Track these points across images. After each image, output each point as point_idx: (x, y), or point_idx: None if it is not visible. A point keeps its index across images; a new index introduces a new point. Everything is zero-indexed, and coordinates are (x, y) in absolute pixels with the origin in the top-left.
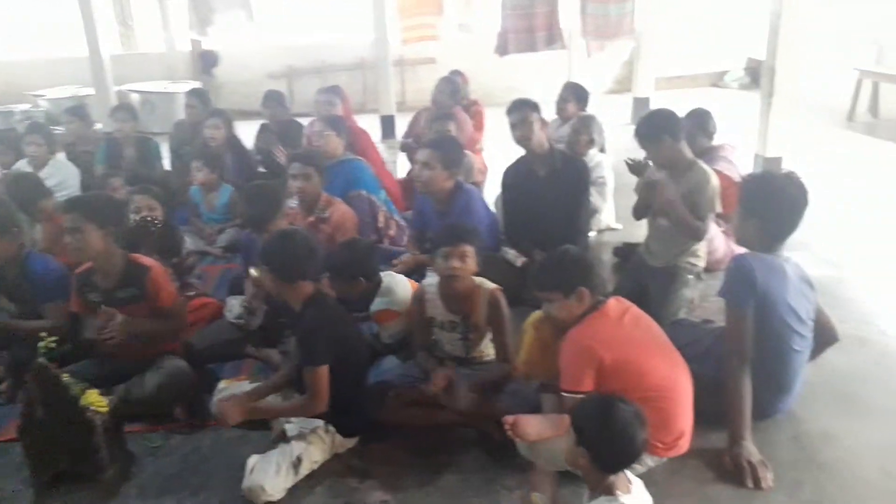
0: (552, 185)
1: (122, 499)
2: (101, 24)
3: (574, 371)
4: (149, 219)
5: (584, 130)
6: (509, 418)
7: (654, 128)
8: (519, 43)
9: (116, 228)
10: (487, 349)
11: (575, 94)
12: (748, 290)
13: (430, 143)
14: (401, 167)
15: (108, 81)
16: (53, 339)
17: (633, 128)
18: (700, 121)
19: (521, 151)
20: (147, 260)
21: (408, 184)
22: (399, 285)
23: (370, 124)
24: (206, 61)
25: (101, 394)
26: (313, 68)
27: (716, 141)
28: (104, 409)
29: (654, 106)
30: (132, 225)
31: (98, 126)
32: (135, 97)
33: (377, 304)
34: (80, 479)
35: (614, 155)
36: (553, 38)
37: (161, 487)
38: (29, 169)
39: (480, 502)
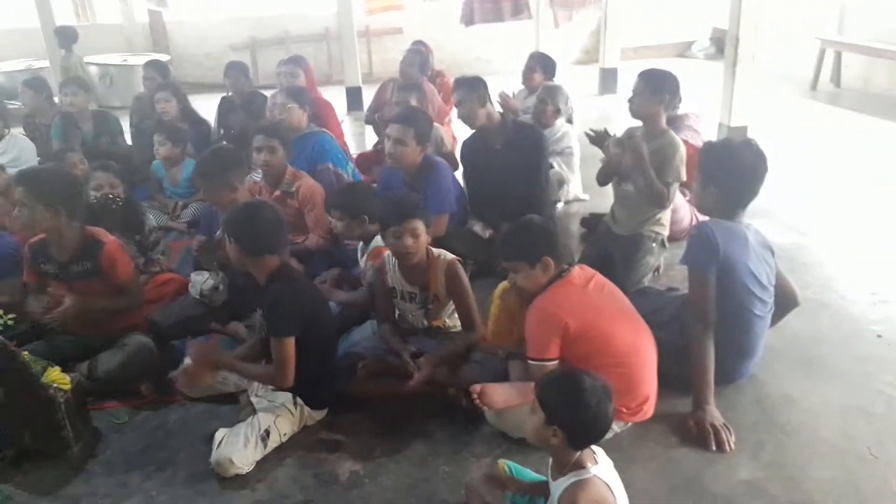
0: (509, 155)
1: (87, 475)
2: None
3: (540, 339)
4: (110, 196)
5: (549, 100)
6: (476, 387)
7: (659, 82)
8: (485, 13)
9: (67, 205)
10: (452, 319)
11: (541, 64)
12: (710, 256)
13: (401, 118)
14: (368, 140)
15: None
16: (11, 316)
17: (600, 98)
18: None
19: None
20: (102, 234)
21: (373, 155)
22: None
23: (336, 96)
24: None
25: (64, 371)
26: (277, 39)
27: (681, 110)
28: (67, 387)
29: (621, 77)
30: (93, 202)
31: (56, 99)
32: (93, 69)
33: (375, 242)
34: (45, 457)
35: (581, 126)
36: (519, 7)
37: (128, 463)
38: None
39: (450, 470)
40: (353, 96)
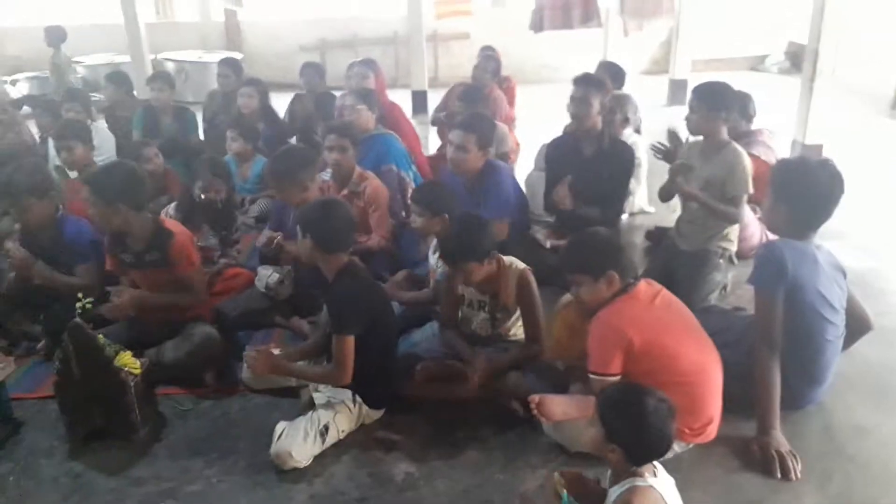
0: (597, 166)
1: (152, 458)
2: None
3: (602, 353)
4: (213, 199)
5: (619, 109)
6: (535, 397)
7: (714, 98)
8: (554, 20)
9: (128, 200)
10: (514, 328)
11: (610, 73)
12: (778, 276)
13: (464, 124)
14: (432, 143)
15: (144, 49)
16: (90, 300)
17: (669, 110)
18: (740, 103)
19: (556, 128)
20: (174, 225)
21: (437, 159)
22: None
23: (402, 100)
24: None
25: (134, 356)
26: (346, 42)
27: (755, 125)
28: (137, 371)
29: (690, 88)
30: (198, 200)
31: (135, 93)
32: (170, 66)
33: None
34: (113, 438)
35: (649, 137)
36: (589, 15)
37: (191, 449)
38: None
39: (504, 478)
40: (419, 100)
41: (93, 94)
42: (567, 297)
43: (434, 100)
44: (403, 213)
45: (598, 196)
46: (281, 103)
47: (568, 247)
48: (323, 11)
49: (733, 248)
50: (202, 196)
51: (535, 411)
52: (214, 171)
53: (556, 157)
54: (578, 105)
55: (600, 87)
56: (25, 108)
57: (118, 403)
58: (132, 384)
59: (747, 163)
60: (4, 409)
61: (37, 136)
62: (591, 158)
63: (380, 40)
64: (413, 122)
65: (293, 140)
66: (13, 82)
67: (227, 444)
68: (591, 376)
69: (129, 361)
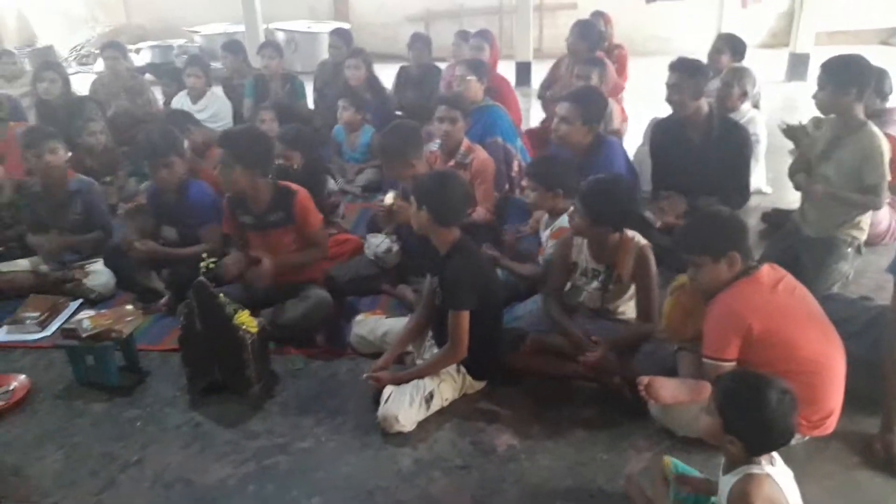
0: (707, 153)
1: (265, 414)
2: None
3: (719, 337)
4: (285, 166)
5: (736, 83)
6: (644, 379)
7: (845, 74)
8: None
9: (262, 164)
10: (624, 305)
11: (730, 45)
12: None
13: (571, 97)
14: (535, 115)
15: (258, 19)
16: (213, 259)
17: (787, 85)
18: (875, 80)
19: (664, 104)
20: (294, 186)
21: (542, 132)
22: None
23: (505, 70)
24: None
25: (251, 315)
26: (451, 12)
27: (890, 103)
28: (254, 330)
29: (813, 63)
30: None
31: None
32: (280, 35)
33: (561, 220)
34: (230, 392)
35: (768, 114)
36: None
37: (301, 407)
38: (188, 100)
39: (609, 459)
40: (523, 71)
41: (211, 63)
42: (682, 277)
43: (537, 71)
44: (507, 186)
45: (715, 185)
46: (386, 73)
47: (688, 226)
48: None
49: (863, 236)
50: (276, 163)
51: (643, 393)
52: (289, 141)
53: (663, 143)
54: (672, 92)
55: (693, 71)
56: (148, 76)
57: (236, 360)
58: (249, 342)
59: (886, 147)
60: (132, 359)
61: (161, 103)
62: (700, 146)
63: (485, 10)
64: (516, 93)
65: (398, 112)
66: (137, 51)
67: (336, 405)
68: (705, 361)
69: (247, 320)
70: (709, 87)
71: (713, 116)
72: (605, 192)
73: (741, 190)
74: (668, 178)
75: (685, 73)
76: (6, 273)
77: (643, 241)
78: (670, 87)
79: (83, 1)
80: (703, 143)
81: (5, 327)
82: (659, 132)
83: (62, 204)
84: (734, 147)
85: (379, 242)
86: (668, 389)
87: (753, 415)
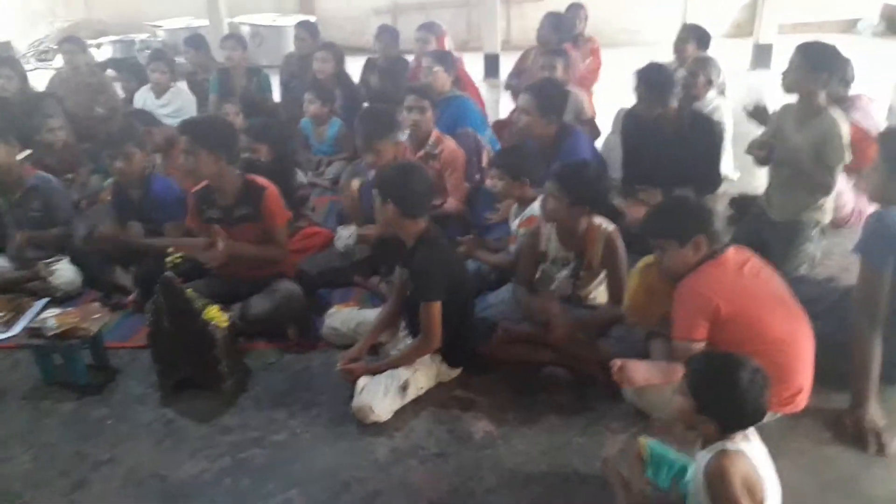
0: (679, 146)
1: (239, 409)
2: None
3: (687, 319)
4: (253, 159)
5: (701, 72)
6: (617, 362)
7: (819, 58)
8: None
9: (226, 150)
10: (595, 291)
11: (695, 36)
12: (889, 248)
13: (530, 88)
14: (503, 107)
15: (222, 13)
16: (179, 255)
17: (752, 74)
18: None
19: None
20: (264, 181)
21: (509, 123)
22: None
23: (473, 63)
24: None
25: (220, 311)
26: (418, 4)
27: (852, 91)
28: (224, 324)
29: (776, 53)
30: (240, 161)
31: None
32: (245, 29)
33: (531, 209)
34: (202, 388)
35: (734, 102)
36: None
37: (275, 400)
38: (151, 95)
39: (584, 442)
40: (491, 63)
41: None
42: (646, 259)
43: (506, 63)
44: (478, 177)
45: (687, 175)
46: (353, 67)
47: (654, 211)
48: None
49: (827, 218)
50: (243, 156)
51: (616, 376)
52: (255, 134)
53: (635, 135)
54: (641, 102)
55: (662, 84)
56: (109, 71)
57: (206, 355)
58: (219, 337)
59: (845, 130)
60: (101, 357)
61: (122, 98)
62: (672, 139)
63: (452, 2)
64: (484, 85)
65: (366, 104)
66: (98, 46)
67: (310, 397)
68: (675, 343)
69: (216, 315)
70: (676, 77)
71: (684, 110)
72: (580, 173)
73: (713, 178)
74: (641, 169)
75: (651, 88)
76: None
77: (611, 226)
78: (639, 97)
79: None
80: (675, 135)
81: None
82: (630, 124)
83: (19, 202)
84: (705, 138)
85: (349, 234)
86: (640, 372)
87: (725, 394)
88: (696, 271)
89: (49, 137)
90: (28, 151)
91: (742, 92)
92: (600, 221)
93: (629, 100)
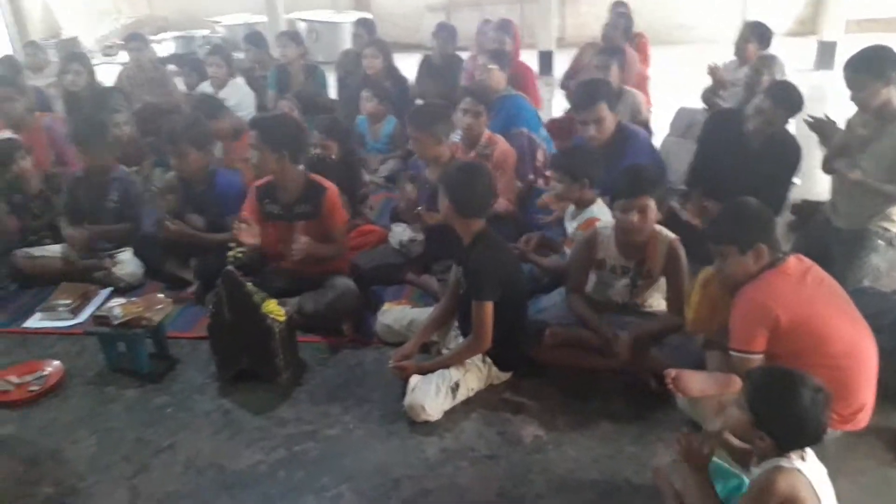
0: (761, 159)
1: (294, 401)
2: None
3: (746, 330)
4: (322, 156)
5: (766, 71)
6: (671, 371)
7: (872, 65)
8: None
9: (291, 148)
10: (651, 298)
11: (757, 34)
12: None
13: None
14: (557, 105)
15: (280, 9)
16: (241, 249)
17: (815, 74)
18: None
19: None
20: (326, 182)
21: (566, 122)
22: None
23: (526, 60)
24: None
25: (278, 304)
26: (472, 1)
27: None
28: (282, 318)
29: (841, 51)
30: (310, 158)
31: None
32: (301, 25)
33: (589, 211)
34: (259, 380)
35: None
36: None
37: (329, 395)
38: (210, 90)
39: (636, 451)
40: (545, 60)
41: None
42: (707, 271)
43: (560, 60)
44: (532, 177)
45: (757, 189)
46: (407, 63)
47: (717, 216)
48: None
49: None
50: (315, 152)
51: (670, 386)
52: (326, 130)
53: (717, 139)
54: (759, 119)
55: (792, 103)
56: (171, 66)
57: (264, 348)
58: (277, 330)
59: None
60: (162, 346)
61: (183, 93)
62: (757, 151)
63: None
64: (539, 83)
65: (418, 101)
66: (160, 42)
67: (363, 393)
68: (733, 353)
69: (274, 309)
70: (737, 76)
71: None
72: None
73: (781, 199)
74: (713, 175)
75: (780, 104)
76: (38, 259)
77: (672, 235)
78: (761, 112)
79: None
80: (761, 149)
81: (38, 314)
82: (715, 126)
83: (102, 191)
84: (786, 156)
85: (402, 231)
86: (695, 382)
87: (785, 412)
88: (757, 280)
89: (115, 131)
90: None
91: (805, 93)
92: (660, 228)
93: (685, 99)
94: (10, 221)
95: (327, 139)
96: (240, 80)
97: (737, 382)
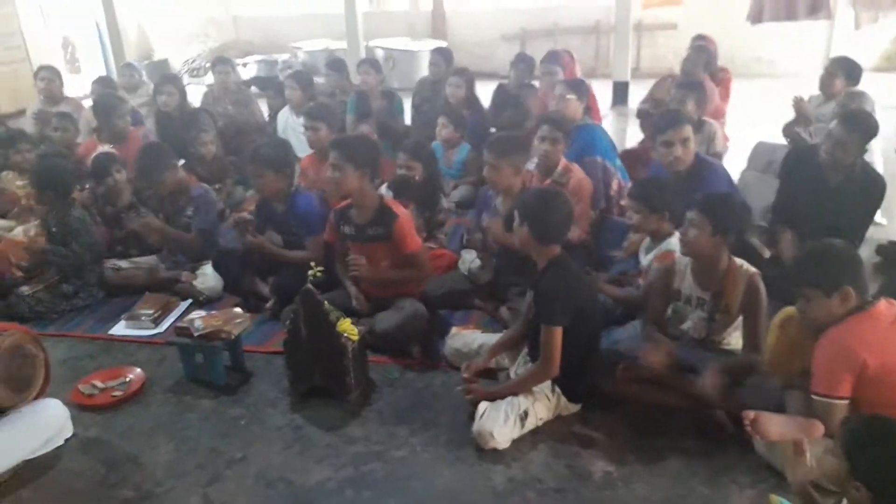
0: (842, 197)
1: (363, 420)
2: None
3: (830, 374)
4: (406, 176)
5: (853, 107)
6: (750, 413)
7: None
8: (776, 10)
9: (371, 167)
10: (729, 337)
11: (845, 69)
12: None
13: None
14: (631, 136)
15: (360, 36)
16: (320, 268)
17: None
18: None
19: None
20: (397, 206)
21: (640, 153)
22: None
23: (600, 90)
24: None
25: (352, 324)
26: (546, 31)
27: None
28: (355, 337)
29: None
30: (395, 178)
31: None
32: (379, 53)
33: (667, 244)
34: (329, 397)
35: (883, 141)
36: (817, 6)
37: (397, 416)
38: (292, 114)
39: (709, 493)
40: (620, 91)
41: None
42: (786, 311)
43: (635, 91)
44: (605, 205)
45: (837, 227)
46: (479, 90)
47: (802, 257)
48: (525, 1)
49: None
50: (400, 173)
51: (748, 428)
52: (412, 152)
53: (796, 176)
54: (836, 147)
55: (866, 129)
56: (253, 89)
57: (337, 365)
58: (350, 349)
59: None
60: (238, 359)
61: (266, 115)
62: (837, 188)
63: (580, 30)
64: (611, 113)
65: (493, 129)
66: (244, 64)
67: (430, 416)
68: (816, 398)
69: (348, 328)
70: (824, 113)
71: (856, 161)
72: (725, 201)
73: (860, 237)
74: (793, 212)
75: (853, 130)
76: (125, 270)
77: (752, 269)
78: (834, 141)
79: (197, 18)
80: (842, 186)
81: (123, 322)
82: (794, 162)
83: (179, 206)
84: (869, 196)
85: (472, 259)
86: (775, 426)
87: (885, 463)
88: (842, 323)
89: (202, 150)
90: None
91: (892, 131)
92: (741, 262)
93: (763, 133)
94: (102, 232)
95: (412, 160)
96: (286, 110)
97: (819, 428)
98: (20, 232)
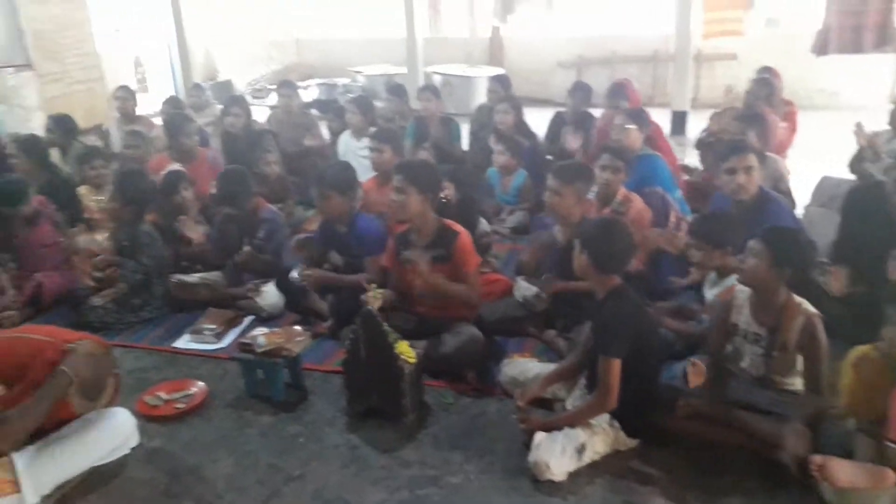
0: None
1: (418, 443)
2: (419, 8)
3: None
4: (441, 197)
5: None
6: (818, 458)
7: None
8: (843, 43)
9: (433, 192)
10: (789, 377)
11: None
12: None
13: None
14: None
15: (419, 62)
16: (381, 291)
17: None
18: None
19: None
20: (458, 227)
21: (700, 184)
22: None
23: (659, 119)
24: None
25: (409, 346)
26: (603, 59)
27: None
28: (412, 360)
29: None
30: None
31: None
32: (437, 79)
33: (732, 279)
34: (384, 418)
35: None
36: (885, 38)
37: (451, 441)
38: (352, 139)
39: None
40: (678, 120)
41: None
42: (861, 350)
43: (693, 121)
44: None
45: None
46: (535, 118)
47: (876, 299)
48: (582, 29)
49: None
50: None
51: (816, 473)
52: (447, 173)
53: (860, 212)
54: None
55: None
56: (314, 111)
57: (394, 387)
58: (407, 371)
59: None
60: (297, 377)
61: (326, 138)
62: None
63: (638, 58)
64: (671, 142)
65: (549, 157)
66: (305, 87)
67: (485, 444)
68: (889, 445)
69: (406, 350)
70: (890, 147)
71: None
72: (788, 232)
73: None
74: (854, 250)
75: None
76: (189, 285)
77: (812, 309)
78: None
79: (261, 41)
80: None
81: (187, 335)
82: (859, 198)
83: (252, 228)
84: None
85: (528, 287)
86: (844, 473)
87: None
88: None
89: (265, 170)
90: None
91: None
92: (800, 301)
93: (826, 168)
94: (168, 248)
95: (444, 181)
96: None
97: (891, 476)
98: (93, 245)
